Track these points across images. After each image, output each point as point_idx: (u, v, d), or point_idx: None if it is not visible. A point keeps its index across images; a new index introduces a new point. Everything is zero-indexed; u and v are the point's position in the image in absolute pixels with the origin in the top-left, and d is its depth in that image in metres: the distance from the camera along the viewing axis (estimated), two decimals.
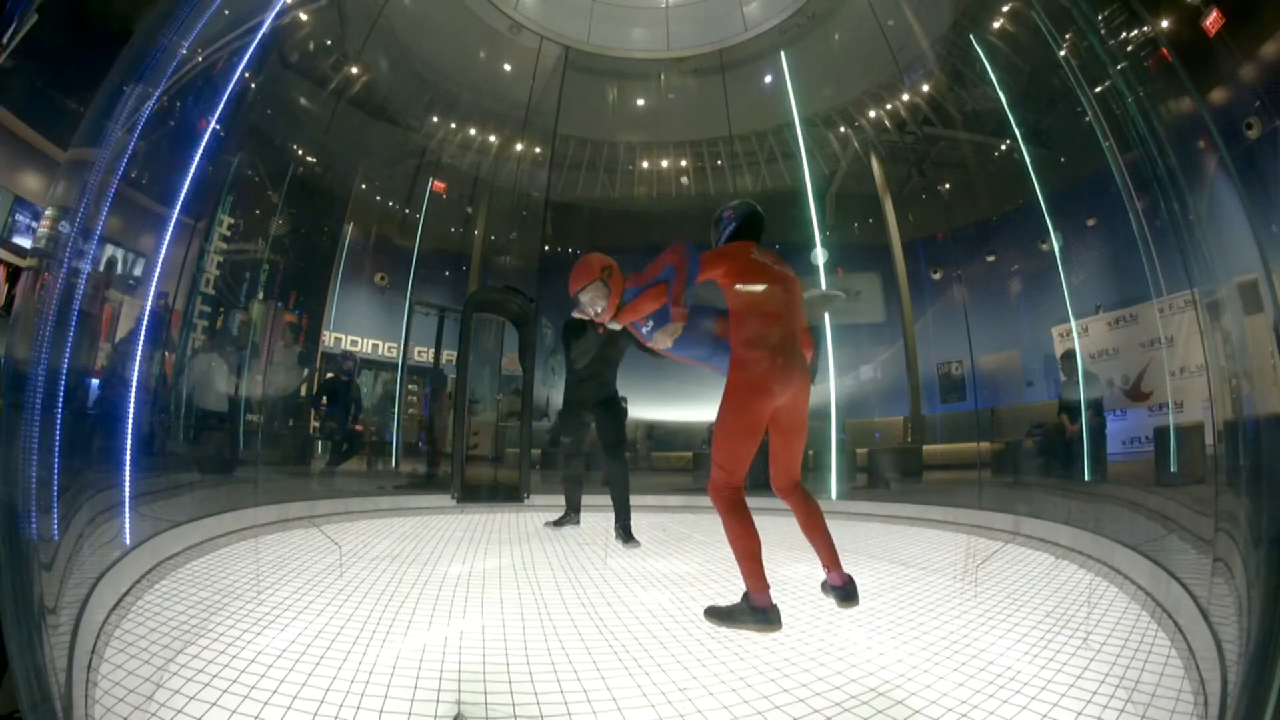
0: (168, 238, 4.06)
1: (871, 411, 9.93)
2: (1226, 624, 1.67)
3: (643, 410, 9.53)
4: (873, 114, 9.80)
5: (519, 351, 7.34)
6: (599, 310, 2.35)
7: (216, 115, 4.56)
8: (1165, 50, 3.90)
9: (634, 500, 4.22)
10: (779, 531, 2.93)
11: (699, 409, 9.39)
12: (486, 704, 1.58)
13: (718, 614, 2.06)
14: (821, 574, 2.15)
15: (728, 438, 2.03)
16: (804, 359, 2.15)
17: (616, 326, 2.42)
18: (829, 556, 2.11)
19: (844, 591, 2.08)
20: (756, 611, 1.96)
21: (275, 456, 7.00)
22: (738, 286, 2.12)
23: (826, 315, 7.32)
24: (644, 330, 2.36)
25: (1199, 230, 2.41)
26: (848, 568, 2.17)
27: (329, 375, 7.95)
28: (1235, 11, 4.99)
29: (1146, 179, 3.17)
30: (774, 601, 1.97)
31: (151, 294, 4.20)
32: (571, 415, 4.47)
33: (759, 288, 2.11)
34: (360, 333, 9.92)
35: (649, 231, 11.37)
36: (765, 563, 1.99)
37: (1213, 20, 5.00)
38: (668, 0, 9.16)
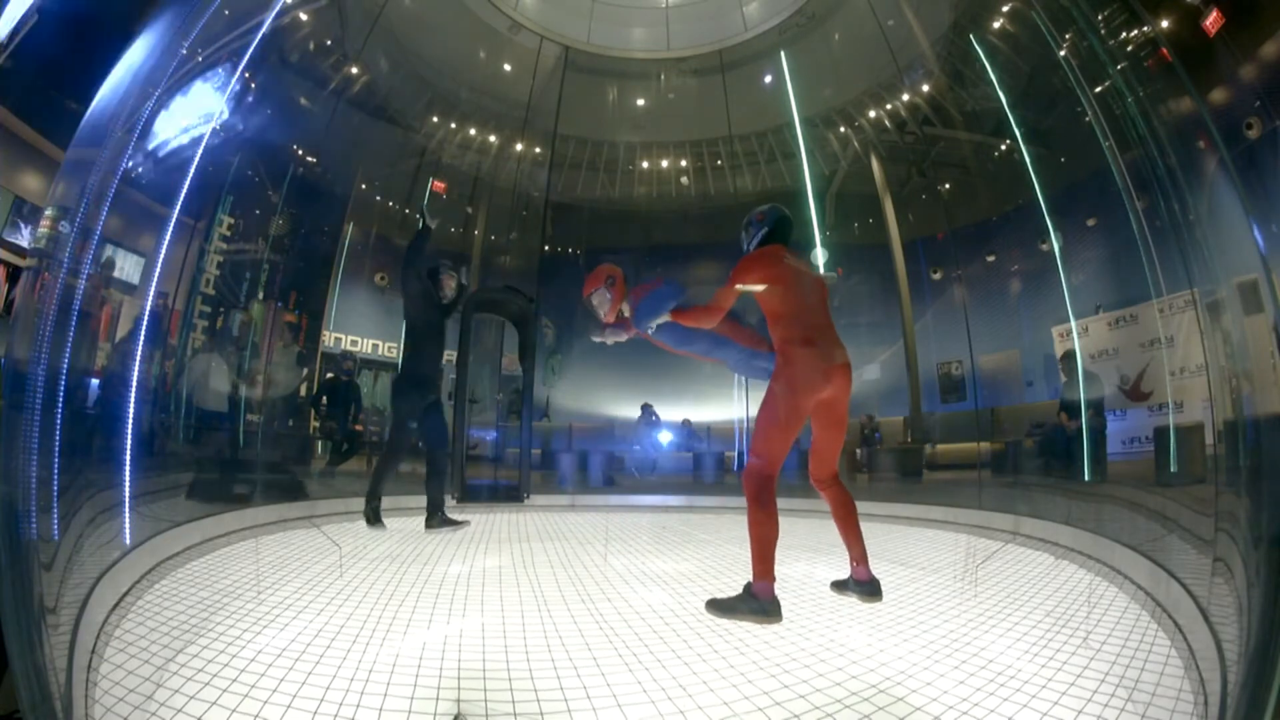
0: (168, 238, 4.05)
1: (871, 411, 9.94)
2: (1226, 624, 1.66)
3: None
4: (873, 114, 9.80)
5: (519, 352, 7.34)
6: (604, 312, 2.66)
7: (216, 115, 4.56)
8: (1165, 50, 3.90)
9: (635, 500, 4.21)
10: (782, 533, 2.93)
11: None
12: (486, 703, 1.58)
13: (719, 606, 2.09)
14: (825, 573, 2.17)
15: (768, 429, 2.10)
16: (845, 355, 2.20)
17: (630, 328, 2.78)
18: (859, 551, 2.16)
19: (870, 587, 2.16)
20: (757, 603, 1.99)
21: (275, 457, 6.99)
22: (774, 288, 2.17)
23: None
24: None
25: (1199, 230, 2.41)
26: (848, 564, 2.18)
27: (329, 375, 7.95)
28: (1235, 11, 4.99)
29: (1146, 179, 3.17)
30: (775, 595, 1.99)
31: (151, 294, 4.20)
32: (414, 393, 4.05)
33: (797, 289, 2.17)
34: (360, 333, 9.91)
35: (649, 231, 11.37)
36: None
37: (1213, 20, 5.00)
38: (668, 0, 9.15)
